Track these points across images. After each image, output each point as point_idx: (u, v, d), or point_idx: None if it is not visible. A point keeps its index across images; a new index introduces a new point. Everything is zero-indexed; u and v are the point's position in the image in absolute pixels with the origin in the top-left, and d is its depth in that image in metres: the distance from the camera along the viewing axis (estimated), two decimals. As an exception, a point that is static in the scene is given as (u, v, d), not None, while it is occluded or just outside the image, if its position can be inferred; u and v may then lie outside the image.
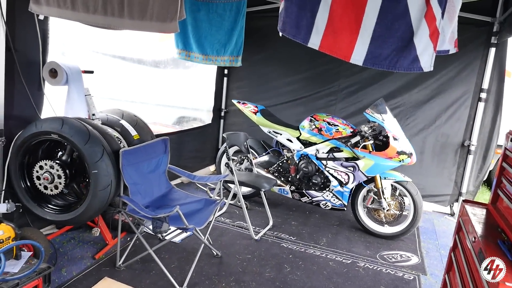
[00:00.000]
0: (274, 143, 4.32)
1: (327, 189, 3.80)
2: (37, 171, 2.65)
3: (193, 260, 2.70)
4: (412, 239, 3.75)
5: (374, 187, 3.65)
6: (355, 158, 3.64)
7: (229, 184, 4.10)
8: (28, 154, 2.71)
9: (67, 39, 3.51)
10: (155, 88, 5.01)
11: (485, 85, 4.22)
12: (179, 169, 3.07)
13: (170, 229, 2.52)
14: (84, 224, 3.21)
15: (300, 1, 2.62)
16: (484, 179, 4.56)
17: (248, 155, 4.07)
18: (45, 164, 2.64)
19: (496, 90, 4.25)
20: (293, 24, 2.65)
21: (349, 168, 3.65)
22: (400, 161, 3.49)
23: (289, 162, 4.05)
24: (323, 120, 3.85)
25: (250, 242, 3.37)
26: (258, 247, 3.30)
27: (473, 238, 1.72)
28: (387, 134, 3.56)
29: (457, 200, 4.54)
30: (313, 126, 3.85)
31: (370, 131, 3.62)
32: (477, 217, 1.92)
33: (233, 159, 4.18)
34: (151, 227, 2.47)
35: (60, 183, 2.64)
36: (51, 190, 2.66)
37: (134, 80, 4.68)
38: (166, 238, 3.13)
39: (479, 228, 1.76)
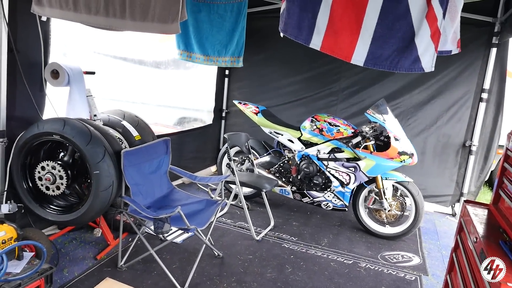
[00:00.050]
0: (275, 143, 4.32)
1: (328, 189, 3.80)
2: (39, 172, 2.66)
3: (194, 260, 2.70)
4: (414, 240, 3.74)
5: (375, 187, 3.65)
6: (356, 159, 3.64)
7: (230, 185, 4.11)
8: (30, 155, 2.72)
9: (69, 40, 3.52)
10: (156, 89, 5.02)
11: (486, 85, 4.22)
12: (181, 169, 3.07)
13: (171, 229, 2.52)
14: (86, 224, 3.22)
15: (301, 2, 2.62)
16: (486, 179, 4.56)
17: (249, 156, 4.07)
18: (47, 164, 2.64)
19: (497, 90, 4.25)
20: (295, 25, 2.66)
21: (350, 168, 3.65)
22: (401, 161, 3.49)
23: (290, 162, 4.05)
24: (324, 121, 3.85)
25: (252, 243, 3.38)
26: (260, 247, 3.30)
27: (474, 239, 1.72)
28: (388, 135, 3.56)
29: (458, 201, 4.54)
30: (314, 127, 3.85)
31: (371, 131, 3.62)
32: (478, 217, 1.92)
33: (234, 160, 4.19)
34: (152, 227, 2.47)
35: (62, 184, 2.65)
36: (53, 191, 2.67)
37: (135, 81, 4.69)
38: (168, 238, 3.13)
39: (480, 229, 1.76)
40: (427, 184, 4.50)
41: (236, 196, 4.08)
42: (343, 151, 3.71)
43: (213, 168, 5.50)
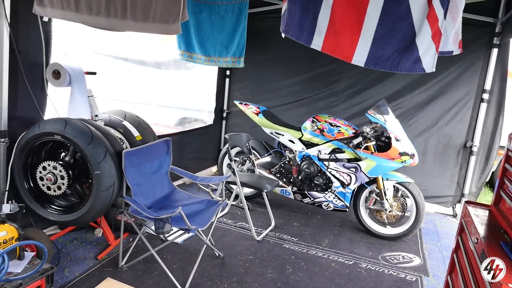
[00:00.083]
0: (276, 144, 4.32)
1: (329, 190, 3.80)
2: (40, 172, 2.66)
3: (195, 261, 2.70)
4: (414, 241, 3.74)
5: (376, 188, 3.64)
6: (357, 159, 3.64)
7: (231, 185, 4.11)
8: (31, 155, 2.73)
9: (70, 41, 3.52)
10: (157, 89, 5.03)
11: (487, 86, 4.22)
12: (182, 170, 3.08)
13: (172, 229, 2.52)
14: (87, 224, 3.22)
15: (302, 2, 2.62)
16: (487, 180, 4.55)
17: (250, 156, 4.07)
18: (48, 165, 2.65)
19: (499, 91, 4.25)
20: (296, 25, 2.66)
21: (351, 169, 3.65)
22: (402, 162, 3.49)
23: (291, 163, 4.05)
24: (325, 121, 3.85)
25: (252, 243, 3.38)
26: (260, 248, 3.30)
27: (475, 240, 1.71)
28: (389, 135, 3.56)
29: (459, 201, 4.53)
30: (315, 127, 3.85)
31: (372, 132, 3.62)
32: (479, 218, 1.91)
33: (235, 160, 4.19)
34: (153, 227, 2.47)
35: (63, 184, 2.65)
36: (54, 191, 2.67)
37: (136, 81, 4.70)
38: (168, 239, 3.13)
39: (481, 230, 1.76)
40: (428, 184, 4.50)
41: (237, 197, 4.08)
42: (344, 152, 3.71)
43: (214, 169, 5.50)
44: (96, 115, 3.12)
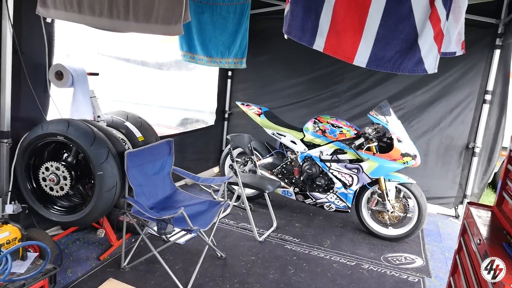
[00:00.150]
0: (278, 145, 4.32)
1: (331, 191, 3.80)
2: (43, 173, 2.67)
3: (197, 261, 2.71)
4: (417, 241, 3.73)
5: (378, 189, 3.64)
6: (359, 160, 3.64)
7: (233, 186, 4.12)
8: (34, 156, 2.73)
9: (72, 42, 3.54)
10: (159, 90, 5.04)
11: (490, 87, 4.21)
12: (184, 170, 3.08)
13: (174, 230, 2.53)
14: (89, 225, 3.23)
15: (305, 4, 2.62)
16: (489, 181, 4.54)
17: (252, 157, 4.08)
18: (51, 165, 2.66)
19: (501, 92, 4.24)
20: (298, 26, 2.66)
21: (353, 170, 3.64)
22: (404, 163, 3.48)
23: (293, 164, 4.05)
24: (327, 122, 3.85)
25: (254, 244, 3.38)
26: (262, 248, 3.31)
27: (478, 241, 1.71)
28: (391, 136, 3.55)
29: (461, 203, 4.52)
30: (317, 128, 3.86)
31: (374, 133, 3.62)
32: (482, 219, 1.91)
33: (237, 161, 4.19)
34: (155, 228, 2.47)
35: (65, 185, 2.66)
36: (57, 192, 2.68)
37: (138, 82, 4.71)
38: (171, 239, 3.14)
39: (484, 231, 1.76)
40: (430, 185, 4.49)
41: (238, 197, 4.08)
42: (346, 153, 3.71)
43: (216, 169, 5.50)
44: (99, 116, 3.13)
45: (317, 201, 3.90)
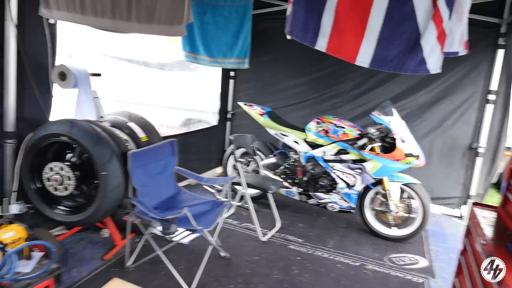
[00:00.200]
0: (280, 145, 4.32)
1: (334, 191, 3.80)
2: (47, 173, 2.68)
3: (201, 261, 2.71)
4: (421, 242, 3.73)
5: (381, 189, 3.63)
6: (362, 160, 3.63)
7: (236, 186, 4.12)
8: (38, 156, 2.74)
9: (75, 42, 3.55)
10: (161, 91, 5.05)
11: (493, 86, 4.19)
12: (187, 171, 3.08)
13: (177, 230, 2.53)
14: (94, 225, 3.23)
15: (307, 4, 2.62)
16: (493, 181, 4.52)
17: (255, 157, 4.08)
18: (55, 165, 2.66)
19: (504, 91, 4.22)
20: (301, 27, 2.66)
21: (356, 170, 3.64)
22: (407, 163, 3.47)
23: (296, 164, 4.05)
24: (330, 122, 3.85)
25: (258, 244, 3.38)
26: (266, 249, 3.31)
27: (482, 241, 1.71)
28: (394, 136, 3.54)
29: (465, 203, 4.51)
30: (320, 128, 3.85)
31: (377, 133, 3.61)
32: (487, 220, 1.91)
33: (239, 161, 4.19)
34: (159, 228, 2.48)
35: (69, 185, 2.67)
36: (61, 192, 2.69)
37: (141, 82, 4.72)
38: (175, 239, 3.15)
39: (489, 231, 1.76)
40: (434, 186, 4.47)
41: (242, 197, 4.08)
42: (349, 153, 3.71)
43: (218, 170, 5.50)
44: (102, 116, 3.14)
45: (320, 201, 3.89)
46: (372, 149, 3.59)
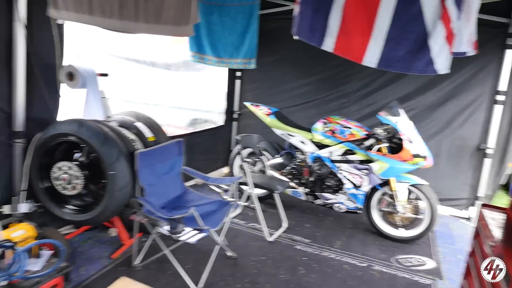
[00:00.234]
0: (287, 145, 4.32)
1: (341, 191, 3.78)
2: (55, 172, 2.71)
3: (208, 261, 2.71)
4: (428, 243, 3.70)
5: (389, 190, 3.61)
6: (369, 161, 3.62)
7: (242, 186, 4.13)
8: (46, 156, 2.77)
9: (82, 42, 3.58)
10: (168, 91, 5.07)
11: (501, 87, 4.15)
12: (194, 170, 3.09)
13: (184, 230, 2.54)
14: (101, 224, 3.26)
15: (314, 4, 2.62)
16: (501, 183, 4.48)
17: (261, 157, 4.08)
18: (63, 165, 2.69)
19: (512, 92, 4.18)
20: (308, 27, 2.65)
21: (363, 170, 3.62)
22: (415, 164, 3.45)
23: (302, 164, 4.05)
24: (337, 123, 3.84)
25: (264, 244, 3.38)
26: (272, 249, 3.31)
27: (491, 243, 1.69)
28: (401, 137, 3.52)
29: (473, 204, 4.47)
30: (327, 129, 3.84)
31: (384, 133, 3.60)
32: (495, 221, 1.89)
33: (246, 161, 4.19)
34: (166, 227, 2.49)
35: (77, 184, 2.69)
36: (69, 191, 2.71)
37: (148, 82, 4.75)
38: (181, 239, 3.16)
39: (497, 233, 1.74)
40: (442, 187, 4.44)
41: (248, 197, 4.08)
42: (356, 153, 3.69)
43: (225, 170, 5.51)
44: (109, 116, 3.16)
45: (327, 201, 3.88)
46: (379, 150, 3.57)
